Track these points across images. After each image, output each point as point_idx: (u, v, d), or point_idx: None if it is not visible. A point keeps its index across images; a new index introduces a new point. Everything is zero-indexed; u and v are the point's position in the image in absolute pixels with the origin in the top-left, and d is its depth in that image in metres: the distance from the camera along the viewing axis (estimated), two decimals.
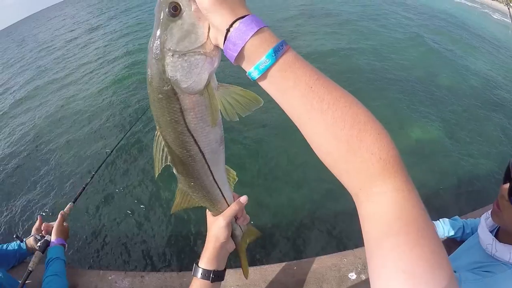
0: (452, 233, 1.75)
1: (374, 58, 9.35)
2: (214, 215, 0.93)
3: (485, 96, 7.91)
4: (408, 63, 9.22)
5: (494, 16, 22.23)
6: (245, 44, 0.47)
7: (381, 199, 0.44)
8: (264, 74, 0.48)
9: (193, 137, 0.61)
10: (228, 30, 0.48)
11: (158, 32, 0.53)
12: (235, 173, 0.90)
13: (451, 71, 9.13)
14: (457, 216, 1.84)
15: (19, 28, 39.26)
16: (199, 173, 0.70)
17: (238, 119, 0.60)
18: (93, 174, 2.38)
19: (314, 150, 0.50)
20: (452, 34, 13.07)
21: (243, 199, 0.96)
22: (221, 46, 0.51)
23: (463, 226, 1.74)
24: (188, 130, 0.60)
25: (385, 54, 9.72)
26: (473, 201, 4.49)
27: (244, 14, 0.48)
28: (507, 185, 1.00)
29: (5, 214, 4.79)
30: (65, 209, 1.93)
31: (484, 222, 1.30)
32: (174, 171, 0.70)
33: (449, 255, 1.75)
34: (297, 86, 0.46)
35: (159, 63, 0.53)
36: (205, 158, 0.66)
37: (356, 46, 10.27)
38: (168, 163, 0.65)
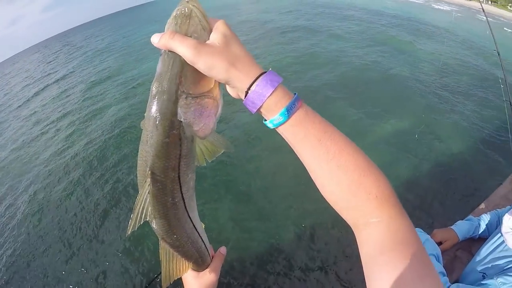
0: (471, 233, 1.81)
1: (326, 66, 9.69)
2: (198, 270, 0.88)
3: (438, 81, 8.44)
4: (361, 65, 9.67)
5: (435, 6, 24.12)
6: (262, 104, 0.52)
7: (377, 225, 0.51)
8: (279, 127, 0.54)
9: (180, 183, 0.60)
10: (247, 92, 0.52)
11: (171, 74, 0.52)
12: (203, 225, 0.87)
13: (402, 65, 9.69)
14: (470, 216, 1.91)
15: None
16: (180, 221, 0.67)
17: (205, 164, 0.63)
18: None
19: (319, 189, 0.57)
20: (398, 29, 13.98)
21: (223, 250, 0.95)
22: (243, 100, 0.55)
23: (479, 224, 1.81)
24: (179, 177, 0.59)
25: (336, 60, 10.11)
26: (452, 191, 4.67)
27: (258, 74, 0.52)
28: None
29: None
30: None
31: (506, 223, 1.35)
32: (154, 225, 0.64)
33: (471, 254, 1.80)
34: (306, 139, 0.53)
35: (173, 106, 0.53)
36: (185, 205, 0.65)
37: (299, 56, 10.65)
38: (147, 219, 0.60)
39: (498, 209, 1.87)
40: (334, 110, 7.09)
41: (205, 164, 0.63)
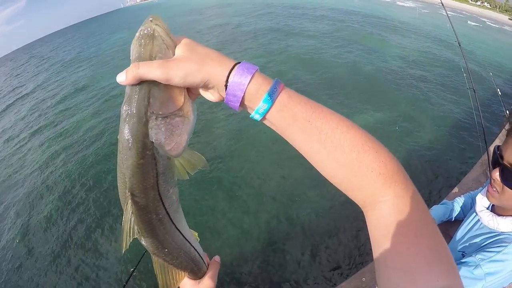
0: (446, 216, 1.88)
1: (302, 66, 9.87)
2: (195, 278, 0.88)
3: (409, 74, 8.78)
4: (335, 63, 9.93)
5: (399, 3, 25.03)
6: (244, 94, 0.50)
7: (383, 206, 0.49)
8: (264, 116, 0.52)
9: (161, 200, 0.60)
10: (226, 86, 0.50)
11: (139, 96, 0.52)
12: (196, 233, 0.88)
13: (375, 60, 10.03)
14: (445, 200, 1.98)
15: None
16: (169, 235, 0.68)
17: (188, 178, 0.62)
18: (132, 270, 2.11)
19: (321, 173, 0.54)
20: (368, 27, 14.41)
21: (217, 258, 0.96)
22: (224, 98, 0.53)
23: (453, 207, 1.89)
24: (159, 194, 0.59)
25: (311, 60, 10.33)
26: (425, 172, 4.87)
27: (232, 65, 0.51)
28: (497, 170, 1.11)
29: None
30: None
31: (479, 202, 1.41)
32: (143, 242, 0.65)
33: (449, 236, 1.88)
34: (295, 122, 0.50)
35: (143, 127, 0.52)
36: (171, 219, 0.65)
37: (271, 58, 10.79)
38: (135, 236, 0.61)
39: (471, 192, 1.96)
40: None
41: (188, 178, 0.62)
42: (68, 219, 5.38)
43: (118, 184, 0.59)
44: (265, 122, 0.54)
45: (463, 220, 1.65)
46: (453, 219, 1.90)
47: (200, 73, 0.50)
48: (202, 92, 0.56)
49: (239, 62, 0.52)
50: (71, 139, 8.57)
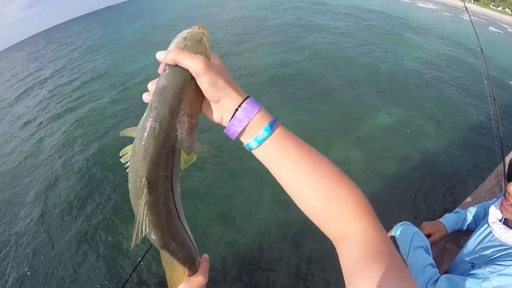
0: (458, 225, 1.85)
1: (316, 65, 9.80)
2: (189, 274, 0.90)
3: (427, 76, 8.64)
4: (352, 61, 9.82)
5: (420, 4, 24.48)
6: (249, 121, 0.57)
7: (354, 236, 0.55)
8: (261, 144, 0.57)
9: (172, 192, 0.62)
10: (236, 110, 0.57)
11: (175, 90, 0.55)
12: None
13: (391, 61, 9.87)
14: (457, 209, 1.95)
15: None
16: (176, 229, 0.70)
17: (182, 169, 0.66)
18: (137, 265, 2.22)
19: (299, 205, 0.60)
20: (388, 26, 14.16)
21: (206, 256, 0.98)
22: (225, 123, 0.60)
23: (466, 216, 1.85)
24: (171, 186, 0.61)
25: (323, 59, 10.23)
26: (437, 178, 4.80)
27: (245, 96, 0.58)
28: None
29: None
30: None
31: (492, 214, 1.39)
32: (153, 236, 0.66)
33: (460, 246, 1.85)
34: (287, 154, 0.57)
35: (173, 120, 0.55)
36: (178, 212, 0.67)
37: (289, 56, 10.72)
38: (146, 231, 0.61)
39: (484, 202, 1.92)
40: (330, 101, 7.27)
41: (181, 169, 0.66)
42: (81, 207, 5.50)
43: (130, 175, 0.60)
44: (257, 151, 0.59)
45: (474, 230, 1.63)
46: (464, 229, 1.87)
47: (224, 90, 0.56)
48: (204, 108, 0.61)
49: (249, 96, 0.59)
50: (87, 126, 8.70)
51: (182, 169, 0.65)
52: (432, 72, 9.07)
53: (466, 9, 3.71)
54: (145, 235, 0.62)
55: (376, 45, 11.25)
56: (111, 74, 13.24)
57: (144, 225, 0.59)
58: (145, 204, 0.58)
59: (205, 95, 0.57)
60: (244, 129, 0.58)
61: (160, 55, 0.56)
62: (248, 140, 0.58)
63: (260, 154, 0.59)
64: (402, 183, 4.84)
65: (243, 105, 0.57)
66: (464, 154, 5.37)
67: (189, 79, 0.55)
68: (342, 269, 0.55)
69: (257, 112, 0.57)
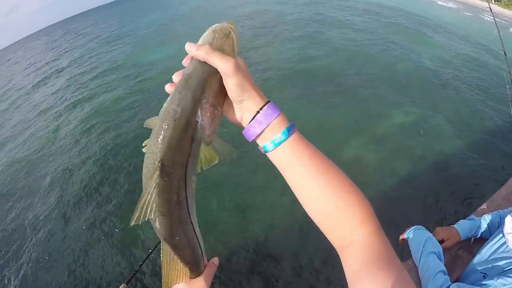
0: (472, 232, 1.82)
1: (334, 61, 9.72)
2: (190, 277, 0.84)
3: (445, 77, 8.45)
4: (369, 59, 9.67)
5: (439, 3, 23.83)
6: (269, 124, 0.59)
7: (358, 243, 0.57)
8: (276, 147, 0.60)
9: (185, 182, 0.62)
10: (258, 112, 0.59)
11: (201, 77, 0.57)
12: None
13: (410, 59, 9.68)
14: (472, 215, 1.92)
15: None
16: (183, 223, 0.68)
17: (199, 171, 0.67)
18: (150, 252, 2.25)
19: (308, 209, 0.62)
20: (408, 24, 13.86)
21: (216, 260, 0.93)
22: (244, 123, 0.62)
23: (480, 224, 1.82)
24: (185, 175, 0.61)
25: (342, 56, 10.11)
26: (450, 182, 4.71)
27: (267, 100, 0.61)
28: None
29: None
30: None
31: (508, 225, 1.36)
32: (157, 224, 0.64)
33: (472, 254, 1.82)
34: (300, 158, 0.59)
35: (194, 105, 0.57)
36: (188, 207, 0.66)
37: (310, 52, 10.64)
38: (151, 216, 0.60)
39: (499, 210, 1.88)
40: (347, 98, 7.30)
41: (199, 171, 0.67)
42: (95, 195, 5.62)
43: (146, 157, 0.60)
44: (272, 154, 0.61)
45: (488, 238, 1.60)
46: (478, 237, 1.84)
47: (249, 92, 0.59)
48: (226, 109, 0.64)
49: (269, 101, 0.62)
50: (103, 116, 8.81)
51: (204, 169, 0.66)
52: (451, 72, 8.85)
53: (491, 10, 3.61)
54: (148, 220, 0.61)
55: (395, 43, 11.04)
56: (128, 65, 13.34)
57: (149, 208, 0.58)
58: (155, 187, 0.58)
59: (229, 94, 0.60)
60: (262, 131, 0.60)
61: (190, 47, 0.57)
62: (265, 142, 0.61)
63: (275, 157, 0.62)
64: (415, 183, 4.77)
65: (265, 108, 0.59)
66: (481, 158, 5.24)
67: (216, 71, 0.57)
68: (345, 274, 0.57)
69: (277, 116, 0.59)
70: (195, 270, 0.84)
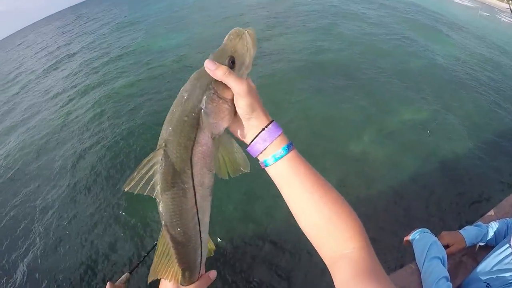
0: (478, 239, 1.80)
1: (347, 55, 9.61)
2: (181, 284, 0.81)
3: (458, 77, 8.29)
4: (383, 54, 9.54)
5: (456, 0, 23.23)
6: (272, 141, 0.65)
7: (348, 256, 0.60)
8: (276, 162, 0.65)
9: (192, 169, 0.63)
10: (263, 129, 0.65)
11: (211, 71, 0.62)
12: (213, 247, 0.85)
13: (423, 57, 9.51)
14: (480, 222, 1.89)
15: None
16: (187, 214, 0.66)
17: (227, 178, 0.70)
18: (155, 244, 2.25)
19: (302, 223, 0.66)
20: (420, 20, 13.55)
21: (213, 274, 0.89)
22: (247, 140, 0.68)
23: (487, 231, 1.80)
24: (191, 160, 0.62)
25: (352, 49, 9.99)
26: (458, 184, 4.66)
27: (271, 120, 0.67)
28: None
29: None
30: (119, 280, 1.82)
31: None
32: (160, 208, 0.64)
33: (476, 261, 1.81)
34: (296, 174, 0.64)
35: (201, 92, 0.61)
36: (195, 198, 0.65)
37: (325, 44, 10.55)
38: (153, 195, 0.62)
39: (507, 218, 1.86)
40: (359, 92, 7.25)
41: (227, 178, 0.70)
42: (105, 181, 5.68)
43: (158, 143, 0.63)
44: (272, 168, 0.67)
45: (494, 247, 1.59)
46: (484, 244, 1.82)
47: (256, 111, 0.65)
48: (234, 126, 0.69)
49: (273, 120, 0.68)
50: (114, 102, 8.83)
51: (232, 176, 0.69)
52: (464, 72, 8.67)
53: (511, 11, 3.51)
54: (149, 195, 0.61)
55: (410, 39, 10.83)
56: (139, 51, 13.32)
57: (147, 179, 0.60)
58: (159, 161, 0.60)
59: (239, 112, 0.65)
60: (267, 146, 0.66)
61: (210, 66, 0.62)
62: (266, 157, 0.66)
63: (274, 171, 0.67)
64: (422, 182, 4.75)
65: (269, 126, 0.66)
66: (491, 160, 5.15)
67: (229, 63, 0.63)
68: (335, 286, 0.61)
69: (279, 134, 0.66)
70: (187, 277, 0.79)
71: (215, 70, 0.61)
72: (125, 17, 24.69)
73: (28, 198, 5.91)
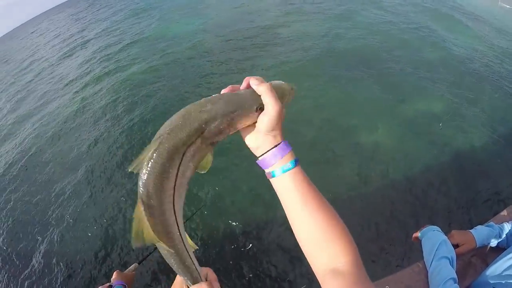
0: (489, 241, 1.76)
1: (364, 44, 9.41)
2: (186, 284, 0.86)
3: (472, 69, 8.02)
4: (403, 44, 9.32)
5: None
6: (283, 157, 0.71)
7: (340, 269, 0.66)
8: (283, 174, 0.71)
9: (178, 168, 0.67)
10: (275, 146, 0.72)
11: (242, 104, 0.68)
12: (195, 246, 0.86)
13: (442, 47, 9.23)
14: (492, 222, 1.85)
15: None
16: (164, 192, 0.67)
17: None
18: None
19: (299, 234, 0.72)
20: (439, 9, 13.09)
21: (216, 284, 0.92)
22: (258, 153, 0.75)
23: (499, 232, 1.76)
24: (183, 154, 0.66)
25: (369, 37, 9.80)
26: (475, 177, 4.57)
27: (283, 139, 0.74)
28: None
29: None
30: (127, 269, 1.86)
31: None
32: (140, 181, 0.64)
33: (486, 263, 1.79)
34: (298, 189, 0.71)
35: (220, 115, 0.66)
36: (175, 183, 0.68)
37: (340, 31, 10.40)
38: (144, 173, 0.64)
39: None
40: (376, 80, 7.22)
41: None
42: (119, 169, 5.80)
43: None
44: (277, 180, 0.73)
45: (505, 249, 1.56)
46: (495, 245, 1.79)
47: (275, 131, 0.71)
48: (249, 136, 0.75)
49: (284, 139, 0.75)
50: (129, 89, 8.90)
51: (200, 172, 0.72)
52: (484, 64, 8.34)
53: None
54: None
55: (431, 29, 10.47)
56: (154, 38, 13.32)
57: (146, 160, 0.64)
58: (154, 145, 0.63)
59: (260, 126, 0.71)
60: (278, 159, 0.72)
61: (254, 81, 0.70)
62: (274, 169, 0.72)
63: (279, 182, 0.73)
64: (433, 175, 4.65)
65: (281, 144, 0.73)
66: (505, 162, 4.96)
67: (257, 110, 0.69)
68: None
69: (289, 151, 0.73)
70: (185, 277, 0.84)
71: (259, 84, 0.68)
72: (138, 3, 24.59)
73: (44, 184, 6.08)
